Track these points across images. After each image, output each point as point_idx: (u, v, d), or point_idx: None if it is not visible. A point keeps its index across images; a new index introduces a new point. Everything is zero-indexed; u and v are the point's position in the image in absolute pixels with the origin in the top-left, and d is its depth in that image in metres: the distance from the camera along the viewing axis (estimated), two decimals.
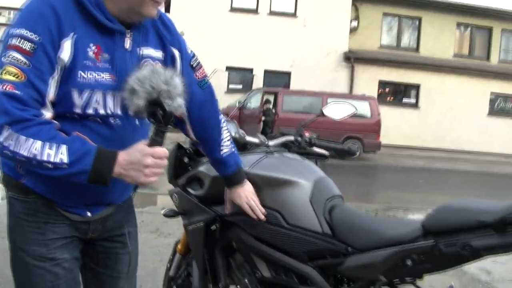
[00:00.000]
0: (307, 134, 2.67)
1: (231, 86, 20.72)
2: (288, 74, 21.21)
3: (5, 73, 1.52)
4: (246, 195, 2.19)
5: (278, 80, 20.91)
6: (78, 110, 1.65)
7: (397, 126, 20.35)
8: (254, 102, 16.88)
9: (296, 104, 16.09)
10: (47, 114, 1.59)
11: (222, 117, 2.17)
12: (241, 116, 15.80)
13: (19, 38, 1.53)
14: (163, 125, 1.61)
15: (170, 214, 2.67)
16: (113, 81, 1.68)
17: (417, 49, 22.47)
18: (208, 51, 18.54)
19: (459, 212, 1.78)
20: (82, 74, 1.62)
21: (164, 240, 5.09)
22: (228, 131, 2.18)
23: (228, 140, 2.16)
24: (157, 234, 5.22)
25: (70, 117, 1.65)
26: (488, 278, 5.12)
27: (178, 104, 1.61)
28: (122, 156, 1.59)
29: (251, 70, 21.16)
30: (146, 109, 1.58)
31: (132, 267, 2.06)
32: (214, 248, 2.52)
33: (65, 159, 1.52)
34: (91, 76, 1.64)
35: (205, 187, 2.43)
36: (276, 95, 16.50)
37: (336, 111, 2.91)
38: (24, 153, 1.50)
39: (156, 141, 1.62)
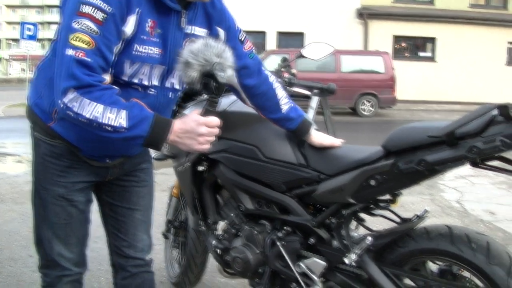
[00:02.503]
0: (286, 75, 2.75)
1: None
2: (301, 35, 21.06)
3: (78, 40, 1.59)
4: (324, 138, 2.25)
5: (292, 41, 20.78)
6: (125, 78, 1.77)
7: (414, 81, 20.22)
8: (268, 64, 16.83)
9: (310, 63, 16.01)
10: (107, 78, 1.68)
11: (272, 77, 2.27)
12: None
13: (93, 7, 1.60)
14: (215, 96, 1.75)
15: (161, 158, 2.80)
16: (160, 55, 1.79)
17: (431, 1, 22.13)
18: None
19: (412, 130, 1.87)
20: (138, 47, 1.73)
21: None
22: (282, 88, 2.27)
23: (285, 98, 2.25)
24: (168, 193, 5.40)
25: (115, 81, 1.74)
26: (491, 218, 5.22)
27: (229, 75, 1.73)
28: (178, 125, 1.71)
29: (263, 33, 21.04)
30: (199, 80, 1.70)
31: (147, 201, 2.22)
32: (202, 186, 2.65)
33: (124, 123, 1.62)
34: (144, 50, 1.75)
35: None
36: (289, 56, 16.46)
37: (315, 51, 2.98)
38: (87, 115, 1.60)
39: (209, 111, 1.75)
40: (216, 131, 1.75)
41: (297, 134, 2.25)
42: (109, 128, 1.62)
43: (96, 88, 1.61)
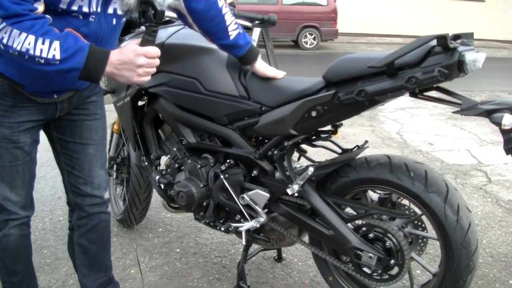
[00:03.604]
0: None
1: None
2: None
3: None
4: (267, 69, 2.17)
5: None
6: (63, 6, 1.63)
7: (355, 14, 20.24)
8: None
9: None
10: (40, 7, 1.56)
11: (222, 2, 2.14)
12: None
13: None
14: (154, 24, 1.63)
15: None
16: None
17: None
18: None
19: (353, 61, 1.87)
20: None
21: None
22: (231, 15, 2.15)
23: (234, 24, 2.14)
24: (109, 129, 5.33)
25: (52, 10, 1.61)
26: (429, 149, 5.38)
27: (168, 2, 1.65)
28: (115, 56, 1.62)
29: None
30: (137, 8, 1.60)
31: (100, 135, 2.15)
32: (143, 121, 2.60)
33: (58, 55, 1.53)
34: None
35: None
36: None
37: None
38: (17, 47, 1.50)
39: (148, 40, 1.65)
40: (156, 62, 1.68)
41: (243, 62, 2.20)
42: (42, 61, 1.53)
43: (25, 17, 1.50)
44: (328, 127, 2.12)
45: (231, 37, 2.13)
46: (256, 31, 3.23)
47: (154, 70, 1.69)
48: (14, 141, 1.87)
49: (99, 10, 1.72)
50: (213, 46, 2.27)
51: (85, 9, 1.68)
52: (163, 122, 2.60)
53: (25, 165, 1.95)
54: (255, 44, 3.32)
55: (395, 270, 2.03)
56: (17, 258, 2.10)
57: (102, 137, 2.17)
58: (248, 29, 2.83)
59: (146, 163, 2.67)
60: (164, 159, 2.69)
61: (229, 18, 2.13)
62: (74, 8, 1.65)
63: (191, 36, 2.32)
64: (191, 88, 2.28)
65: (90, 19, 1.72)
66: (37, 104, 1.88)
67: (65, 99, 1.95)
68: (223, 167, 2.30)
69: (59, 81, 1.82)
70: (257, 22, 2.85)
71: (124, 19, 1.90)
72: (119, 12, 1.80)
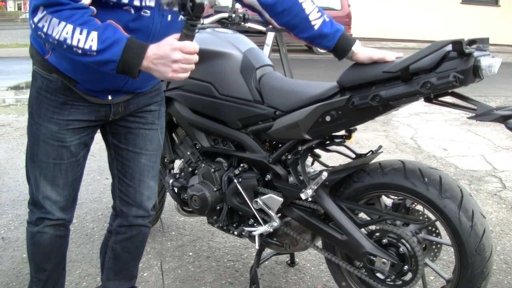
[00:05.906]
0: (240, 10, 2.70)
1: None
2: None
3: None
4: (371, 51, 1.94)
5: None
6: None
7: (369, 18, 20.16)
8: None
9: None
10: (85, 0, 1.54)
11: None
12: None
13: None
14: (193, 18, 1.55)
15: None
16: None
17: None
18: None
19: (367, 66, 1.87)
20: None
21: None
22: (311, 2, 2.00)
23: (316, 12, 1.99)
24: None
25: (103, 3, 1.58)
26: (443, 154, 5.34)
27: None
28: (152, 50, 1.55)
29: None
30: (177, 1, 1.54)
31: (155, 146, 2.10)
32: None
33: (94, 46, 1.49)
34: None
35: None
36: None
37: None
38: (56, 36, 1.49)
39: (187, 35, 1.56)
40: (194, 58, 1.58)
41: (338, 54, 2.02)
42: (79, 51, 1.50)
43: (66, 6, 1.48)
44: (342, 132, 2.12)
45: (315, 27, 1.99)
46: (270, 36, 3.24)
47: (192, 67, 1.59)
48: (61, 139, 1.85)
49: (152, 4, 1.66)
50: (228, 50, 2.27)
51: (136, 3, 1.62)
52: (177, 126, 2.61)
53: (69, 165, 1.92)
54: (269, 48, 3.33)
55: (409, 276, 2.01)
56: (48, 257, 2.09)
57: (157, 148, 2.12)
58: (262, 34, 2.84)
59: (160, 166, 2.67)
60: (177, 163, 2.69)
61: (309, 6, 1.99)
62: (125, 1, 1.60)
63: (206, 41, 2.32)
64: (205, 92, 2.29)
65: (143, 13, 1.66)
66: (90, 104, 1.85)
67: (120, 102, 1.92)
68: (236, 171, 2.31)
69: (110, 78, 1.76)
70: (271, 26, 2.85)
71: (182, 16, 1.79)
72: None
